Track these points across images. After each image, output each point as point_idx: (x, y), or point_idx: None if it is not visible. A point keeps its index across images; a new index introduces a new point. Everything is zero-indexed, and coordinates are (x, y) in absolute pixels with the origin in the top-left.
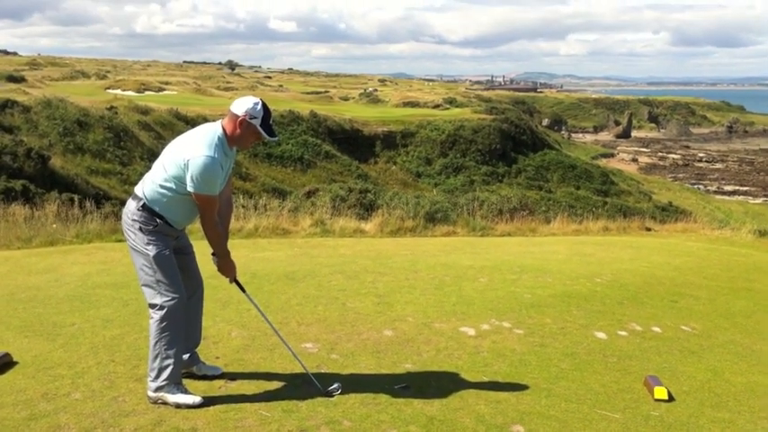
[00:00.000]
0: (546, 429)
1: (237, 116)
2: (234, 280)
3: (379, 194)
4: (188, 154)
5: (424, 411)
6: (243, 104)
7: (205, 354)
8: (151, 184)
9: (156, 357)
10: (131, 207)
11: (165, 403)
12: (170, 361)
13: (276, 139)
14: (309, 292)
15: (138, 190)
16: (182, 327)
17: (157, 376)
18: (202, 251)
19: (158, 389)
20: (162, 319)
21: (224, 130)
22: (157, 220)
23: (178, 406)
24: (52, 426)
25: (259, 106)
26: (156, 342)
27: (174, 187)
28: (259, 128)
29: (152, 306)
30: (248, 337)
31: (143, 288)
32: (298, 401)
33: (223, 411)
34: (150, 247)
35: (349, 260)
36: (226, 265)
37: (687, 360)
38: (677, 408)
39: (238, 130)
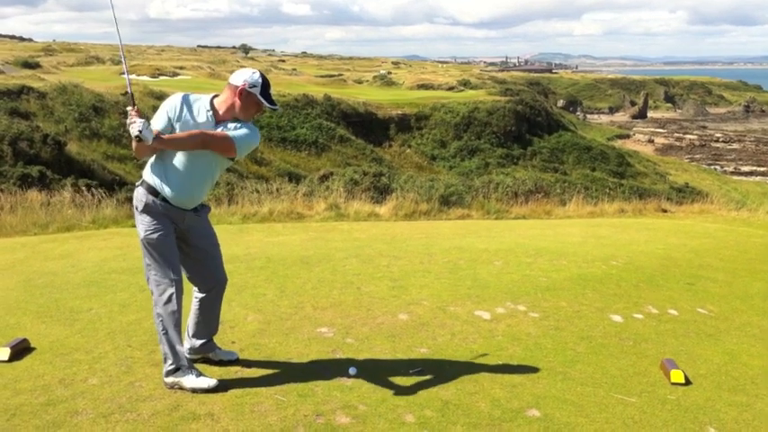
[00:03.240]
0: (561, 413)
1: (237, 86)
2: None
3: (394, 178)
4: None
5: (439, 395)
6: (241, 75)
7: (221, 338)
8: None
9: (159, 343)
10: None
11: (181, 388)
12: (166, 347)
13: (277, 108)
14: (324, 276)
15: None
16: (174, 314)
17: (164, 361)
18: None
19: (167, 374)
20: (155, 305)
21: (212, 100)
22: (149, 198)
23: (194, 390)
24: (69, 411)
25: (257, 75)
26: (157, 328)
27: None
28: (259, 96)
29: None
30: (264, 322)
31: None
32: (313, 386)
33: (239, 396)
34: (140, 229)
35: (364, 244)
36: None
37: (704, 343)
38: (694, 391)
39: (238, 101)
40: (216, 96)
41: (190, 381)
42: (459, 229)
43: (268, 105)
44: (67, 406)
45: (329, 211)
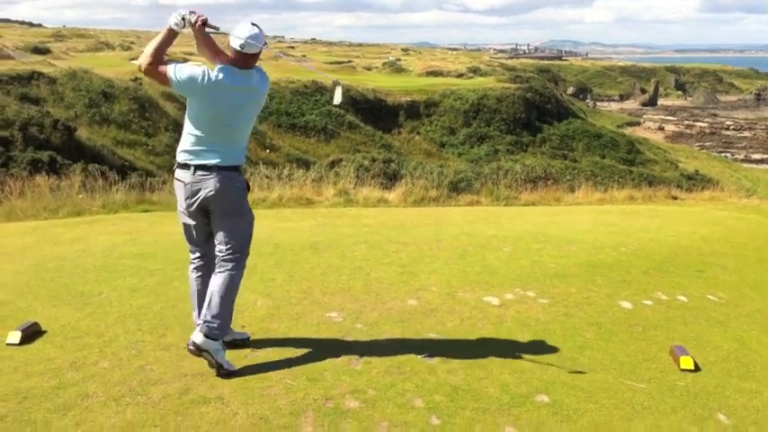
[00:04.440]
0: (571, 399)
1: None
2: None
3: (403, 164)
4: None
5: (448, 381)
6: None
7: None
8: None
9: (224, 307)
10: None
11: (209, 356)
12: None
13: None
14: (333, 261)
15: None
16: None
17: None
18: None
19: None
20: (239, 276)
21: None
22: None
23: (220, 365)
24: (80, 394)
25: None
26: (231, 293)
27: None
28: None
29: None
30: (273, 307)
31: None
32: (323, 370)
33: (249, 380)
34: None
35: (373, 230)
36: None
37: (713, 330)
38: (703, 378)
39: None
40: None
41: (221, 356)
42: (468, 216)
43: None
44: (78, 389)
45: (338, 197)
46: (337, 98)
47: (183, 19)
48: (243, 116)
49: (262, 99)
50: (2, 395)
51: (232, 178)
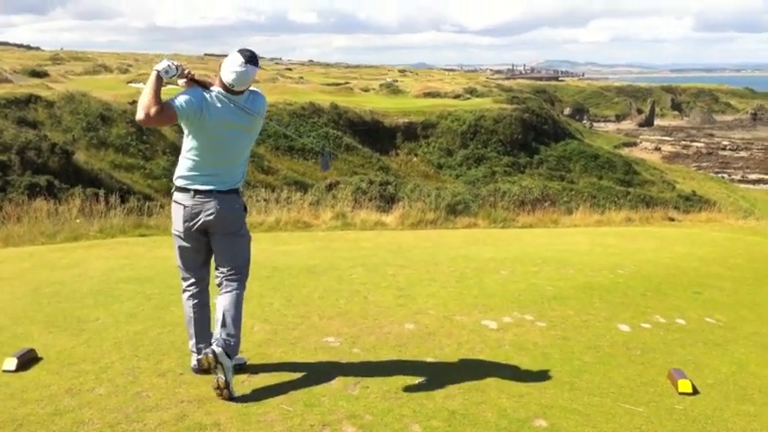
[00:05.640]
0: (569, 423)
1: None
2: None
3: (400, 187)
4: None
5: (445, 405)
6: (228, 74)
7: None
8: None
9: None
10: None
11: (220, 373)
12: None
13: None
14: (331, 285)
15: None
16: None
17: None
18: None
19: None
20: (242, 297)
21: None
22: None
23: (227, 385)
24: (76, 421)
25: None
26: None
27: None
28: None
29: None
30: (270, 332)
31: None
32: (320, 395)
33: (246, 406)
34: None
35: (370, 253)
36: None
37: (711, 352)
38: (702, 401)
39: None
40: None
41: (231, 376)
42: (466, 238)
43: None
44: (74, 416)
45: (336, 220)
46: (324, 165)
47: (177, 67)
48: (238, 140)
49: (258, 121)
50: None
51: (231, 201)
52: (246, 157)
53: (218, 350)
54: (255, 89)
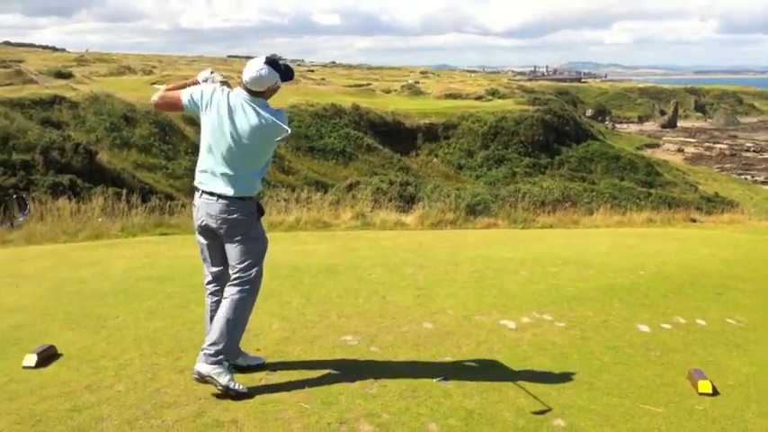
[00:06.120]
0: (587, 423)
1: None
2: None
3: (420, 187)
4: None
5: (463, 404)
6: (246, 72)
7: (245, 346)
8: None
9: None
10: None
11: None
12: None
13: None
14: (350, 284)
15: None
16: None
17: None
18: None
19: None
20: (251, 301)
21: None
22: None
23: (227, 389)
24: (95, 417)
25: (264, 71)
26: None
27: None
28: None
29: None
30: (289, 330)
31: None
32: (337, 394)
33: (263, 403)
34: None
35: (389, 253)
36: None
37: (732, 353)
38: (722, 402)
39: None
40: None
41: (226, 378)
42: (486, 239)
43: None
44: (93, 412)
45: (355, 219)
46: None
47: (212, 72)
48: (244, 145)
49: (269, 131)
50: (17, 418)
51: (235, 207)
52: (259, 167)
53: (202, 369)
54: (281, 109)
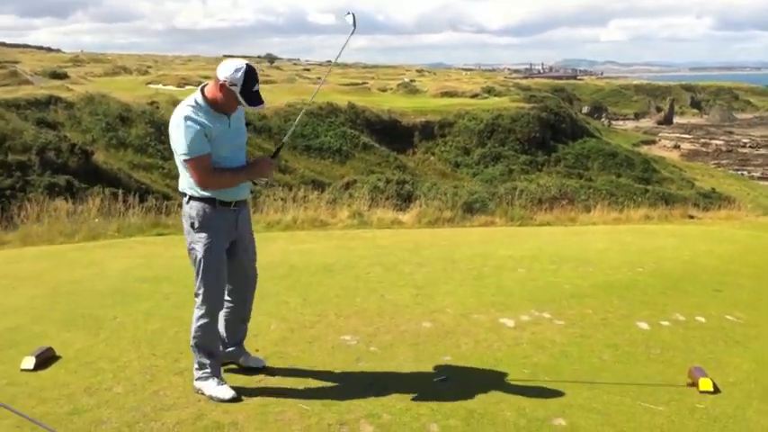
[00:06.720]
0: (588, 422)
1: (219, 80)
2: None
3: (417, 185)
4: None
5: (463, 404)
6: (224, 69)
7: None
8: (183, 175)
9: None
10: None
11: (202, 394)
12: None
13: (259, 107)
14: (347, 283)
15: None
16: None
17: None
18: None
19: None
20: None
21: (203, 94)
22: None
23: (211, 398)
24: (94, 420)
25: (240, 73)
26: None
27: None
28: (238, 95)
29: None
30: (287, 330)
31: None
32: (337, 394)
33: (263, 405)
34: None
35: (387, 251)
36: (261, 171)
37: (732, 350)
38: (723, 399)
39: (220, 94)
40: (205, 86)
41: (210, 387)
42: (483, 236)
43: (246, 105)
44: (92, 415)
45: (353, 218)
46: (349, 20)
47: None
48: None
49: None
50: (16, 421)
51: (184, 205)
52: (180, 160)
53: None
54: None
